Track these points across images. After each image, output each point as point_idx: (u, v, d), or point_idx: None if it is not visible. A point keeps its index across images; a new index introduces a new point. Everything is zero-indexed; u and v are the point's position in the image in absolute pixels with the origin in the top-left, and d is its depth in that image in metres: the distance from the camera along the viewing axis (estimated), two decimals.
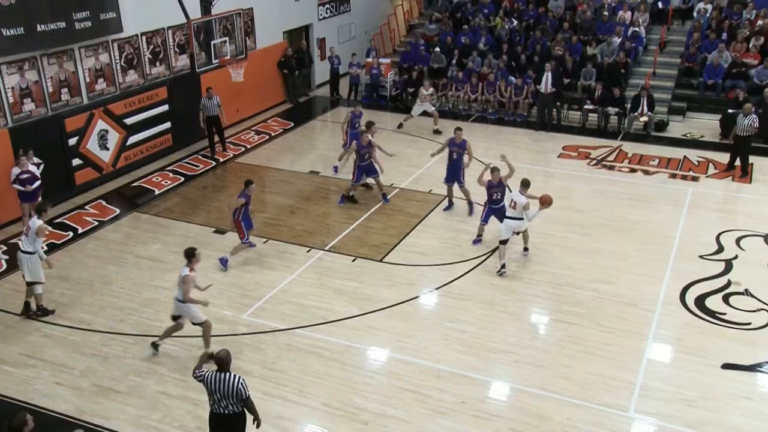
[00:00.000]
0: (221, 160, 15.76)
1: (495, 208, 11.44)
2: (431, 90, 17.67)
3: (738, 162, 14.69)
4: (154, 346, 9.07)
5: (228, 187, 14.52)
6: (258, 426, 6.84)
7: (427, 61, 20.15)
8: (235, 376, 6.59)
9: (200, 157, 15.92)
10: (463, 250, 11.57)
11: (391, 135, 17.19)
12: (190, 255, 8.68)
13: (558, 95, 17.71)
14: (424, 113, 17.51)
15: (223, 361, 6.58)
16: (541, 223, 12.51)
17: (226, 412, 6.63)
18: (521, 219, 10.84)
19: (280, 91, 19.72)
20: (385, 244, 11.88)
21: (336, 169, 14.78)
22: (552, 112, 17.74)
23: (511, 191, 11.18)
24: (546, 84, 17.24)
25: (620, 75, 18.32)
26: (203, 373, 6.66)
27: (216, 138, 15.97)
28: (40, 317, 9.76)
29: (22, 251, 9.53)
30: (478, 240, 11.78)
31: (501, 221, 11.10)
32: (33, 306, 9.88)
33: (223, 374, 6.55)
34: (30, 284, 9.68)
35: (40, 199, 12.41)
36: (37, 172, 12.10)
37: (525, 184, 10.85)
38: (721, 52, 18.17)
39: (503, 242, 10.88)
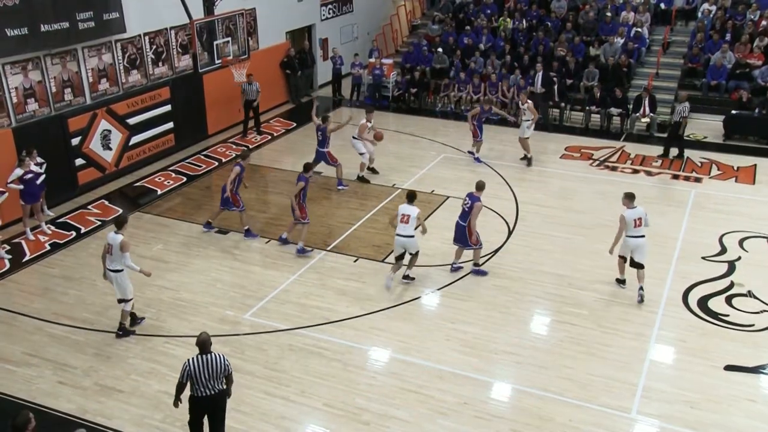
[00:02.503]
0: (249, 146, 16.17)
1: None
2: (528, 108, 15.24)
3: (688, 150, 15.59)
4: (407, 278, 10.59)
5: None
6: (228, 397, 7.11)
7: (429, 62, 20.15)
8: (217, 354, 6.83)
9: (202, 157, 15.94)
10: (465, 251, 11.54)
11: (393, 135, 17.19)
12: (413, 197, 10.35)
13: (549, 95, 17.75)
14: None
15: (204, 344, 6.82)
16: (542, 224, 12.55)
17: (213, 392, 6.85)
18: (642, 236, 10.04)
19: (283, 92, 19.73)
20: (387, 244, 11.85)
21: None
22: (547, 112, 17.79)
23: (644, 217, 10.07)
24: (536, 84, 17.45)
25: (623, 75, 18.31)
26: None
27: (251, 123, 17.17)
28: (120, 336, 9.36)
29: (110, 270, 9.05)
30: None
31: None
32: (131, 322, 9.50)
33: (206, 356, 6.78)
34: (120, 302, 9.25)
35: (42, 200, 12.36)
36: (40, 171, 12.06)
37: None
38: (724, 52, 18.14)
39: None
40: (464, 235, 10.62)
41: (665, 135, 16.11)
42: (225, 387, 6.97)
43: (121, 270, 9.02)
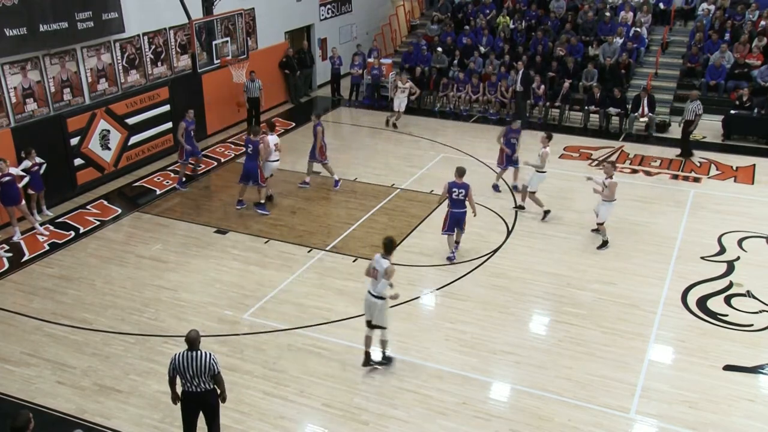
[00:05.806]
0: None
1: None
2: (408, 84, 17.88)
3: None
4: None
5: (229, 187, 14.51)
6: (224, 401, 7.17)
7: (428, 62, 20.15)
8: (205, 353, 6.86)
9: (201, 157, 15.92)
10: (465, 251, 11.56)
11: (392, 135, 17.20)
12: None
13: (527, 93, 17.90)
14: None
15: (193, 341, 6.87)
16: (541, 224, 12.55)
17: (200, 389, 6.92)
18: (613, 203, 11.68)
19: (282, 91, 19.73)
20: None
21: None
22: (525, 110, 17.91)
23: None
24: (516, 83, 17.77)
25: (622, 76, 18.32)
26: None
27: (254, 120, 17.41)
28: (384, 364, 8.76)
29: (374, 295, 8.44)
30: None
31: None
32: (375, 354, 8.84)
33: (193, 353, 6.84)
34: (374, 327, 8.64)
35: (23, 202, 11.87)
36: (22, 174, 11.76)
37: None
38: (723, 52, 18.16)
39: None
40: (464, 221, 11.21)
41: (680, 135, 16.01)
42: (213, 386, 6.99)
43: (384, 298, 8.44)
